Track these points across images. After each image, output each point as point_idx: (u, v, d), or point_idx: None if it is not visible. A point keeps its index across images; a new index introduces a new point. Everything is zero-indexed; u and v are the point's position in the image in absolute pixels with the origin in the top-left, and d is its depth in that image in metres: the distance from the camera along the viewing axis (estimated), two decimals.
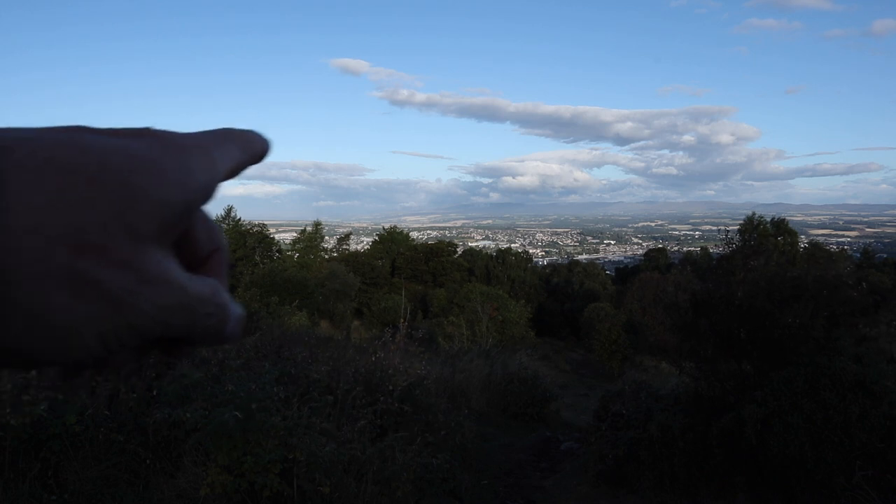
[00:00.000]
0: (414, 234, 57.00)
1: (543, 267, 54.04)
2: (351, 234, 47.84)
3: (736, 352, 5.74)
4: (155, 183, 0.26)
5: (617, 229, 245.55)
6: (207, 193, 0.29)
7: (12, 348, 0.24)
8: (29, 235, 0.23)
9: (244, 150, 0.32)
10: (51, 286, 0.23)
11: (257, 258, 28.60)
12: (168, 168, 0.27)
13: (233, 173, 0.32)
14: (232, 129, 0.33)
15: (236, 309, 0.32)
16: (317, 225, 34.05)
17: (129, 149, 0.26)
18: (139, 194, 0.25)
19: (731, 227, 21.79)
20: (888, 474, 4.18)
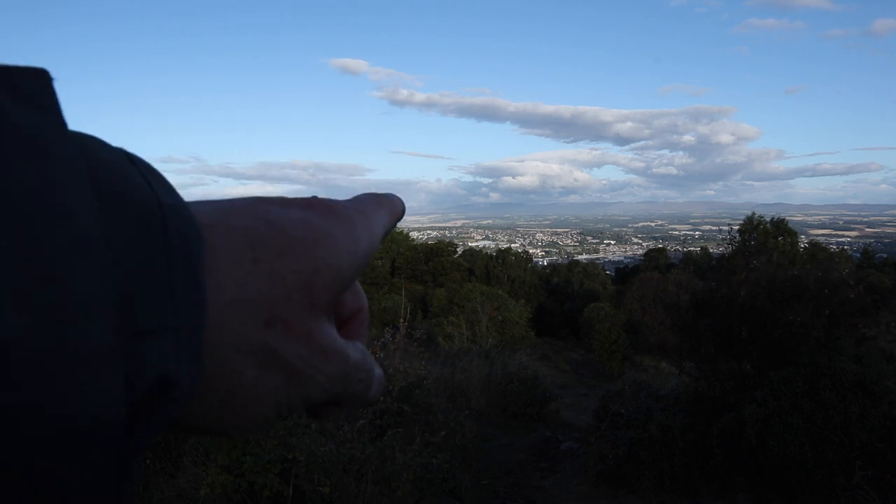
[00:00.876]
0: (414, 234, 57.04)
1: (543, 267, 54.02)
2: None
3: (736, 351, 5.74)
4: (333, 254, 0.26)
5: (617, 229, 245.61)
6: (368, 259, 0.29)
7: (205, 421, 0.24)
8: (228, 311, 0.23)
9: (391, 214, 0.33)
10: (245, 360, 0.24)
11: None
12: (341, 239, 0.27)
13: (384, 237, 0.32)
14: (378, 195, 0.33)
15: (379, 371, 0.33)
16: None
17: (307, 221, 0.26)
18: (321, 266, 0.26)
19: (731, 227, 21.77)
20: (888, 474, 4.18)
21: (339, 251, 0.27)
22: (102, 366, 0.17)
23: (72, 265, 0.17)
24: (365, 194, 0.32)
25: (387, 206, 0.33)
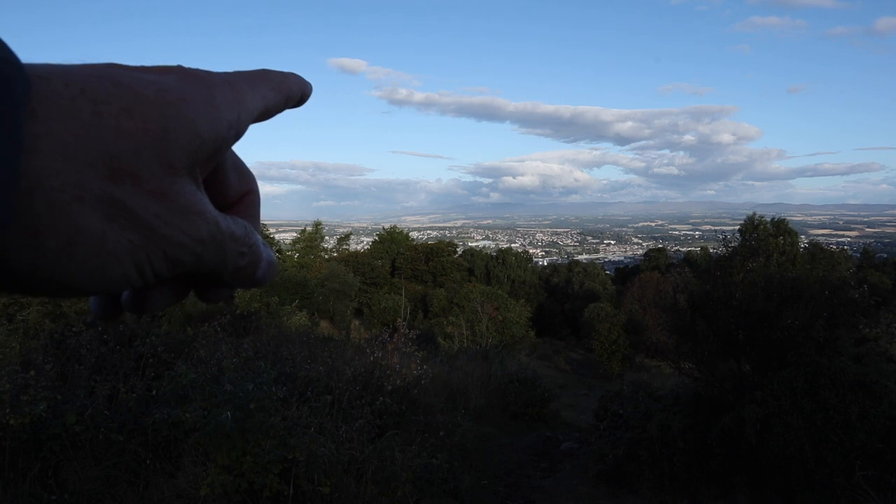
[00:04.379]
0: (414, 234, 56.99)
1: (543, 267, 54.01)
2: (351, 234, 47.75)
3: (735, 352, 5.74)
4: (186, 116, 0.27)
5: (617, 229, 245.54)
6: (236, 130, 0.29)
7: (51, 273, 0.25)
8: (64, 160, 0.24)
9: (277, 90, 0.32)
10: (86, 210, 0.24)
11: None
12: (197, 102, 0.27)
13: (266, 114, 0.32)
14: (268, 70, 0.33)
15: (269, 253, 0.33)
16: (317, 225, 34.00)
17: (160, 82, 0.27)
18: (171, 126, 0.26)
19: (730, 228, 21.79)
20: (888, 474, 4.18)
21: (195, 114, 0.27)
22: None
23: None
24: (254, 69, 0.32)
25: (271, 81, 0.32)
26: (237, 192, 0.33)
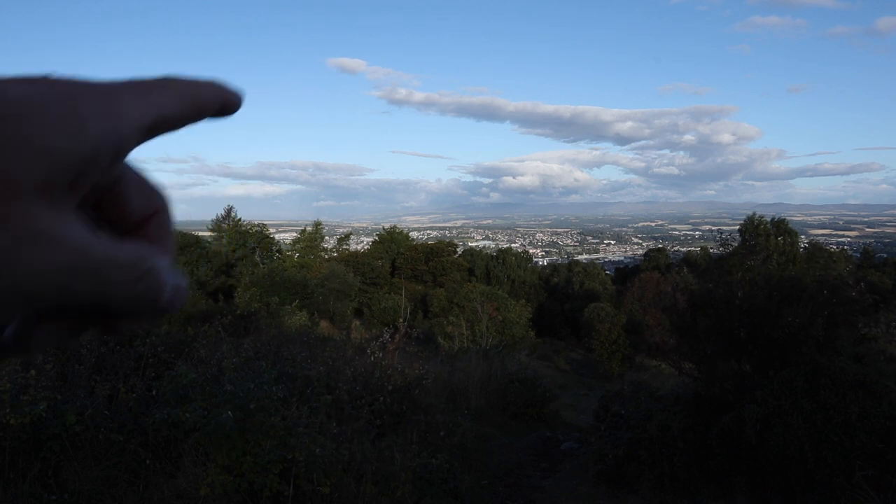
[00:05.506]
0: (414, 234, 57.01)
1: (543, 267, 54.02)
2: (351, 234, 47.72)
3: (735, 352, 5.74)
4: (37, 130, 0.23)
5: (617, 229, 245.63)
6: (115, 145, 0.25)
7: None
8: None
9: (181, 99, 0.28)
10: None
11: (257, 258, 28.58)
12: (54, 114, 0.24)
13: (164, 125, 0.28)
14: (170, 77, 0.28)
15: (174, 277, 0.29)
16: (317, 225, 34.00)
17: (8, 93, 0.23)
18: (16, 141, 0.22)
19: (730, 228, 21.84)
20: (888, 474, 4.18)
21: (46, 127, 0.23)
22: None
23: None
24: (153, 77, 0.28)
25: (170, 88, 0.28)
26: (141, 213, 0.30)
